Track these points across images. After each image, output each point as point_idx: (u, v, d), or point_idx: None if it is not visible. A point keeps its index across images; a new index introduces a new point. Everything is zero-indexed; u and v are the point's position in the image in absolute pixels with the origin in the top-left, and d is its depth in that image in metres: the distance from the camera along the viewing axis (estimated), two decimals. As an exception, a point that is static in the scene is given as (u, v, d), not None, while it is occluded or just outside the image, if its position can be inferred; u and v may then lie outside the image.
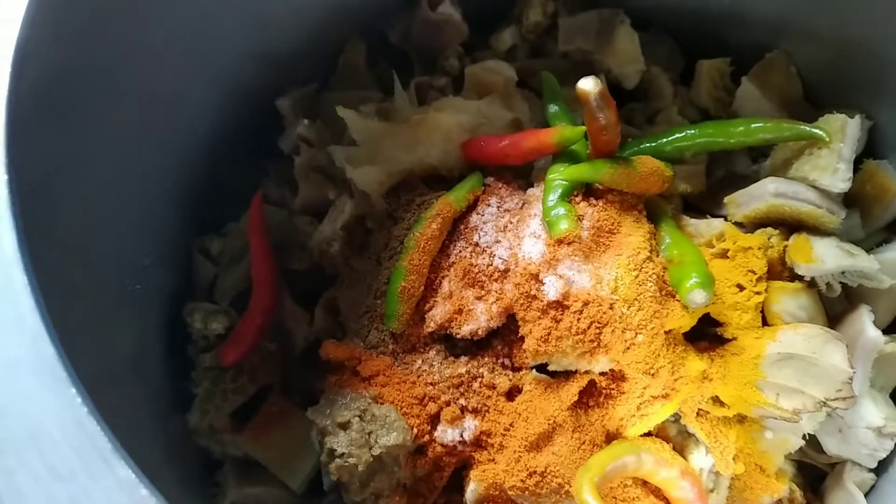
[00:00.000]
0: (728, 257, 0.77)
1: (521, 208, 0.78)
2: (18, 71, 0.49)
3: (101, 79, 0.67)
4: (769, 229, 0.78)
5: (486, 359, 0.77)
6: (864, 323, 0.76)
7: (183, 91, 0.83)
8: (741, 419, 0.74)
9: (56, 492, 0.40)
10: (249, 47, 0.88)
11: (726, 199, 0.82)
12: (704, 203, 0.86)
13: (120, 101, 0.72)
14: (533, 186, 0.80)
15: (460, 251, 0.78)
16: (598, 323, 0.71)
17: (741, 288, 0.76)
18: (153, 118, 0.79)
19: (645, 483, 0.73)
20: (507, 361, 0.77)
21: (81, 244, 0.62)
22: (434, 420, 0.75)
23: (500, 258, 0.75)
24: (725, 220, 0.82)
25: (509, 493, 0.73)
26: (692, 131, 0.82)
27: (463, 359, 0.77)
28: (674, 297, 0.74)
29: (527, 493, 0.72)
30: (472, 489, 0.74)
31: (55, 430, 0.41)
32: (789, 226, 0.80)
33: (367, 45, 0.98)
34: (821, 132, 0.78)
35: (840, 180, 0.77)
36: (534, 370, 0.75)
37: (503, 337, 0.77)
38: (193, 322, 0.85)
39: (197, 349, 0.85)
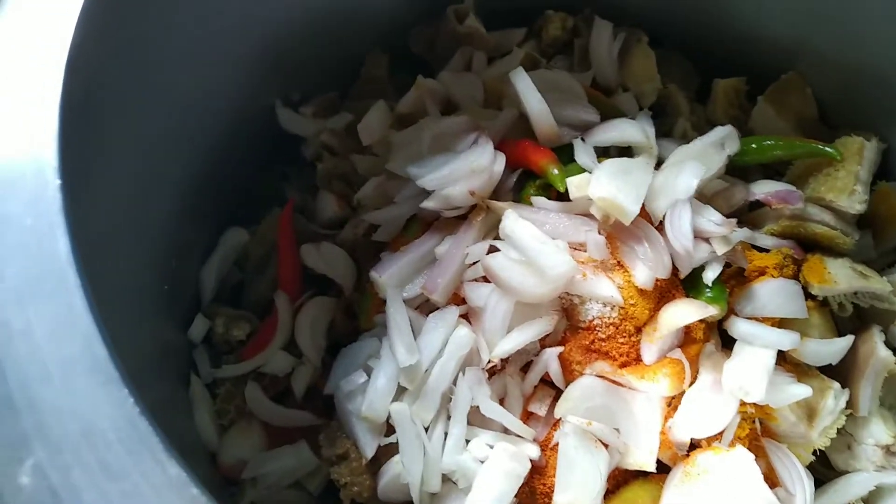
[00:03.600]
0: (745, 276, 0.78)
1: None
2: (67, 88, 0.51)
3: (135, 89, 0.69)
4: (785, 248, 0.79)
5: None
6: (876, 343, 0.78)
7: (209, 98, 0.85)
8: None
9: (109, 489, 0.41)
10: (272, 55, 0.90)
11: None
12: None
13: (151, 109, 0.74)
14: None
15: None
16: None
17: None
18: (182, 125, 0.81)
19: None
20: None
21: (120, 248, 0.63)
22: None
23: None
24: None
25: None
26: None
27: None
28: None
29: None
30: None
31: (108, 429, 0.42)
32: (804, 244, 0.81)
33: (388, 55, 0.99)
34: (833, 150, 0.79)
35: (857, 202, 0.79)
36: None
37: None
38: (216, 327, 0.86)
39: (218, 350, 0.87)
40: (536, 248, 0.70)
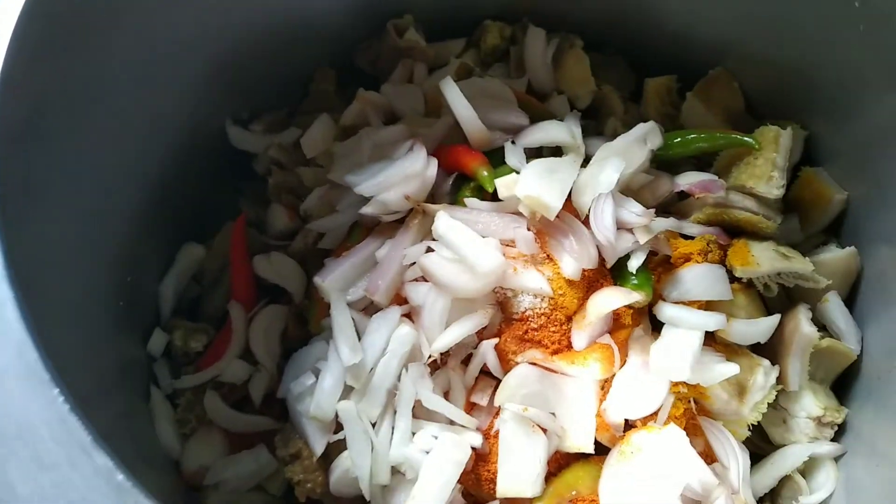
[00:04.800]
0: (672, 263, 0.82)
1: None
2: (1, 95, 0.54)
3: (81, 101, 0.72)
4: (708, 235, 0.83)
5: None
6: (801, 320, 0.81)
7: (160, 118, 0.88)
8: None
9: (42, 479, 0.45)
10: (222, 72, 0.93)
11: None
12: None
13: (100, 131, 0.77)
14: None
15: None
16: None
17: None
18: (133, 144, 0.84)
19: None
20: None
21: (63, 259, 0.67)
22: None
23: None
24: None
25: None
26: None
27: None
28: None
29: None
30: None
31: (41, 426, 0.46)
32: (731, 230, 0.85)
33: (335, 71, 1.03)
34: (751, 140, 0.84)
35: (774, 187, 0.83)
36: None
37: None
38: (174, 340, 0.89)
39: (178, 362, 0.90)
40: (467, 246, 0.74)
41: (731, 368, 0.77)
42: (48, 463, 0.45)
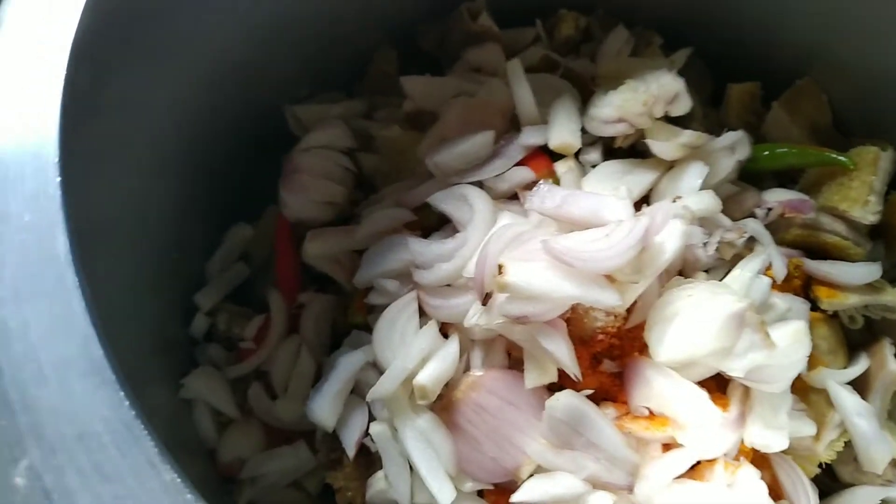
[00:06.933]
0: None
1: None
2: (70, 82, 0.51)
3: (139, 83, 0.69)
4: (795, 259, 0.78)
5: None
6: (887, 356, 0.77)
7: (213, 92, 0.84)
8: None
9: (103, 491, 0.41)
10: (279, 51, 0.89)
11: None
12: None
13: (154, 104, 0.74)
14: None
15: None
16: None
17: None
18: (185, 119, 0.81)
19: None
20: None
21: (119, 241, 0.63)
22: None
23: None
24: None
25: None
26: (719, 155, 0.82)
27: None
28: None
29: None
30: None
31: (103, 432, 0.42)
32: (814, 253, 0.80)
33: (396, 52, 0.99)
34: (845, 159, 0.78)
35: (870, 213, 0.78)
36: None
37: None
38: (218, 324, 0.86)
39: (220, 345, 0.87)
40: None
41: (809, 429, 0.73)
42: (110, 473, 0.41)
